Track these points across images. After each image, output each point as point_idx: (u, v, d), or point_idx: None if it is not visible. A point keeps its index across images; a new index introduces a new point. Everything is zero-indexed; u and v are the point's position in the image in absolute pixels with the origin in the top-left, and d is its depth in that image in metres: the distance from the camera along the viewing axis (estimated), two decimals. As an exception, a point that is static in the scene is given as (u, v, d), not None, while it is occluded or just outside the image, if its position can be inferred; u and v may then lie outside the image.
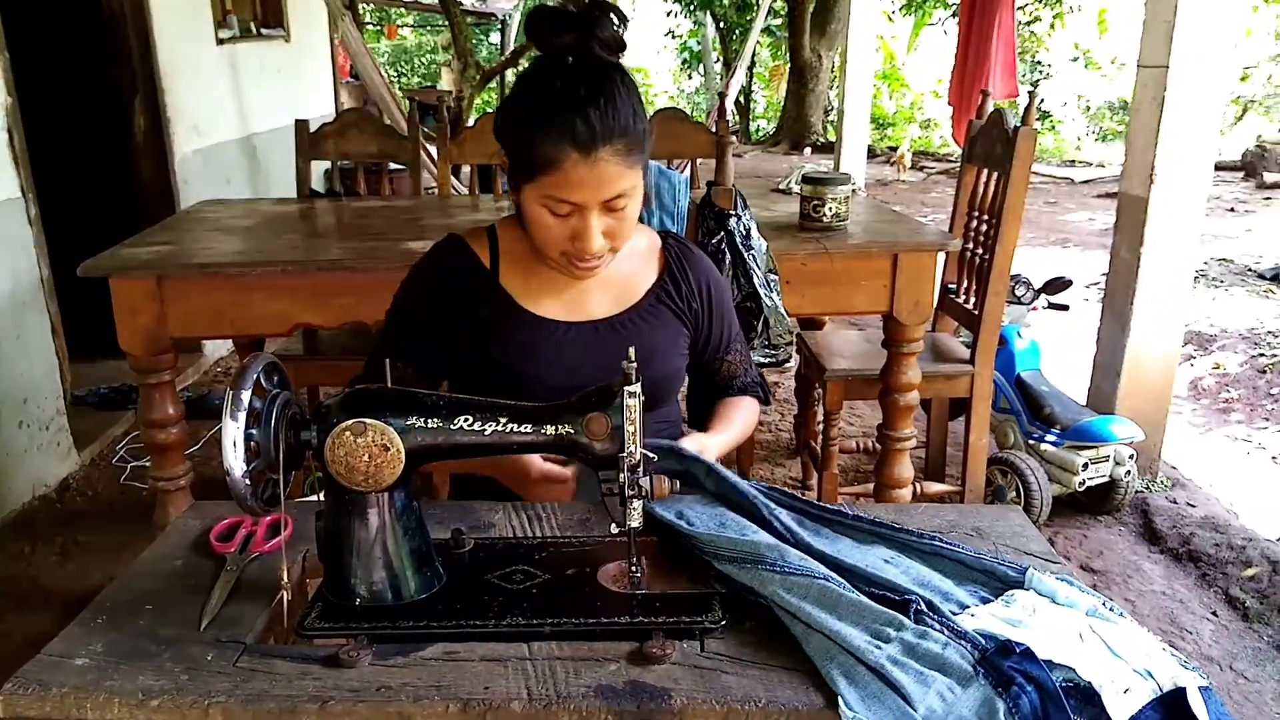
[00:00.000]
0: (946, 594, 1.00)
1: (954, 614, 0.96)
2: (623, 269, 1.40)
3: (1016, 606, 0.97)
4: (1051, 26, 12.64)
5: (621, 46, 1.24)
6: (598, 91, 1.20)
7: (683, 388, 1.55)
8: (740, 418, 1.47)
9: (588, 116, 1.18)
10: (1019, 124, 2.42)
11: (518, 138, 1.24)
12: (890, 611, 0.94)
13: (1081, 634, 0.92)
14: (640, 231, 1.43)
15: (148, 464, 2.90)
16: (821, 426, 2.95)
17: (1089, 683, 0.86)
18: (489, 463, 1.37)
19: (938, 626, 0.93)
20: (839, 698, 0.86)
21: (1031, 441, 2.92)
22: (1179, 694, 0.85)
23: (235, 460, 0.93)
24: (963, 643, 0.91)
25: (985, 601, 0.99)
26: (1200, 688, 0.86)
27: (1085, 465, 2.80)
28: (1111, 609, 0.98)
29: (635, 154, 1.23)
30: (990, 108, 2.69)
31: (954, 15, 12.17)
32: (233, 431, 0.93)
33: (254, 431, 0.95)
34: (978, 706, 0.85)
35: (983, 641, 0.91)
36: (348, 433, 0.97)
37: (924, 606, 0.95)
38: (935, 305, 2.56)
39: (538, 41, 1.23)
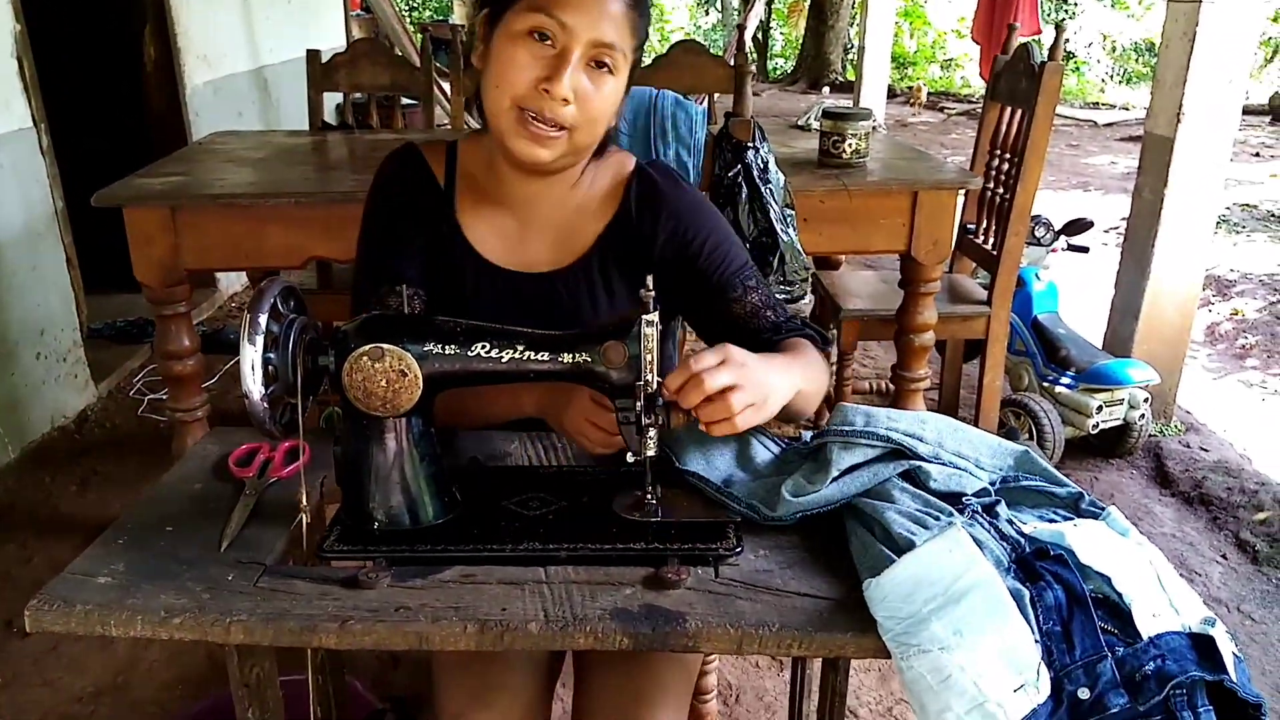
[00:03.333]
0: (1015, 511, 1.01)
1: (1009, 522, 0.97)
2: (570, 208, 1.25)
3: (1081, 529, 0.96)
4: (1079, -37, 12.32)
5: None
6: None
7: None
8: (801, 353, 1.17)
9: None
10: (1045, 59, 2.37)
11: None
12: (942, 504, 0.96)
13: (1151, 560, 0.92)
14: (611, 161, 1.28)
15: (164, 397, 2.92)
16: (835, 367, 2.94)
17: (1120, 594, 0.87)
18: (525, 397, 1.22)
19: (985, 524, 0.94)
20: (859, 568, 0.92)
21: (1046, 384, 2.91)
22: (1207, 636, 0.86)
23: (254, 384, 0.93)
24: (1004, 543, 0.92)
25: (1051, 522, 0.99)
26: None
27: (1099, 408, 2.79)
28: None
29: (636, 17, 1.12)
30: (1016, 43, 2.63)
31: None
32: (250, 355, 0.93)
33: (272, 356, 0.95)
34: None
35: (1022, 542, 0.92)
36: (365, 358, 0.97)
37: (979, 510, 0.97)
38: (953, 245, 2.53)
39: None
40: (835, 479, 1.02)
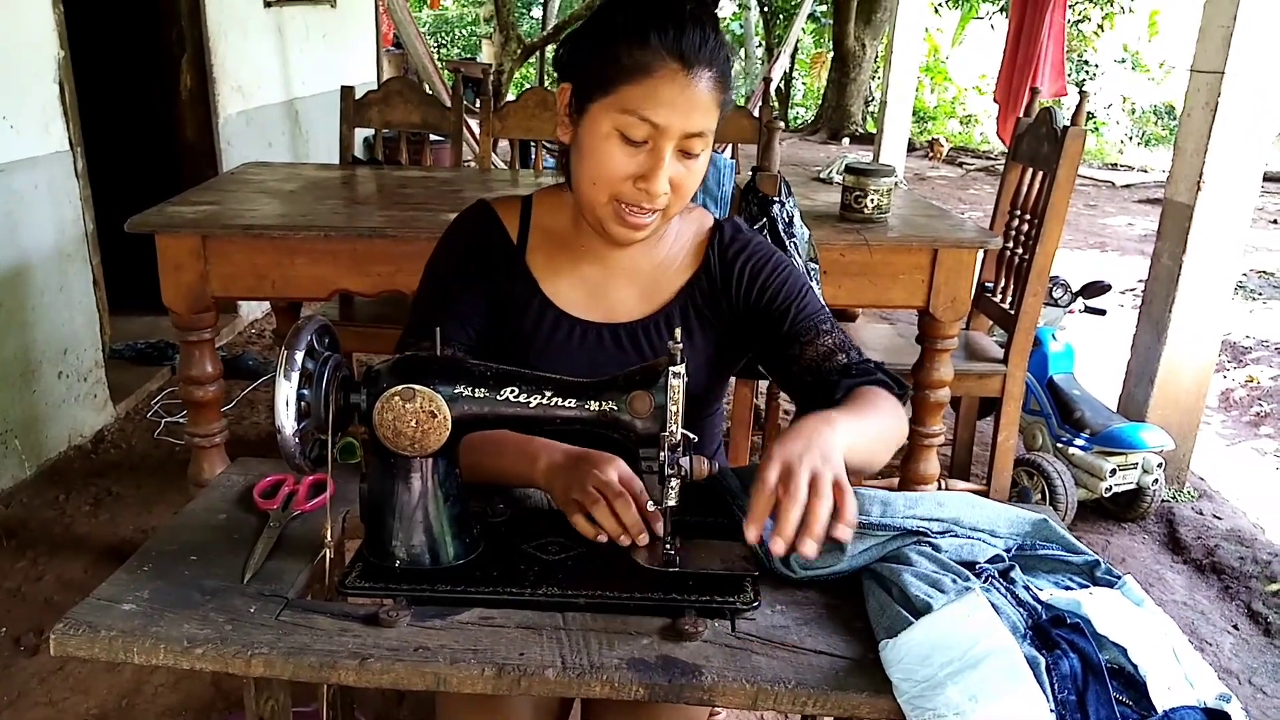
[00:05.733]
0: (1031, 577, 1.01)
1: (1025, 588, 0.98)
2: (657, 261, 1.27)
3: (1097, 597, 0.96)
4: (1100, 27, 12.43)
5: None
6: (704, 10, 1.10)
7: (723, 407, 1.42)
8: (866, 403, 1.11)
9: (692, 29, 1.07)
10: (1068, 124, 2.40)
11: (600, 45, 1.11)
12: (961, 568, 0.97)
13: (1166, 632, 0.93)
14: (693, 217, 1.31)
15: (182, 419, 2.95)
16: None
17: (1136, 666, 0.87)
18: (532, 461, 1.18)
19: (1002, 590, 0.95)
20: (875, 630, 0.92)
21: (1060, 445, 2.90)
22: (1222, 713, 0.86)
23: (286, 419, 0.95)
24: (1021, 609, 0.93)
25: (1067, 589, 0.99)
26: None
27: (1113, 471, 2.78)
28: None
29: (724, 96, 1.12)
30: (1038, 106, 2.67)
31: (1001, 10, 12.01)
32: (285, 390, 0.95)
33: (305, 392, 0.97)
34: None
35: (1039, 609, 0.93)
36: (396, 398, 0.99)
37: (996, 575, 0.97)
38: (971, 303, 2.55)
39: None
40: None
